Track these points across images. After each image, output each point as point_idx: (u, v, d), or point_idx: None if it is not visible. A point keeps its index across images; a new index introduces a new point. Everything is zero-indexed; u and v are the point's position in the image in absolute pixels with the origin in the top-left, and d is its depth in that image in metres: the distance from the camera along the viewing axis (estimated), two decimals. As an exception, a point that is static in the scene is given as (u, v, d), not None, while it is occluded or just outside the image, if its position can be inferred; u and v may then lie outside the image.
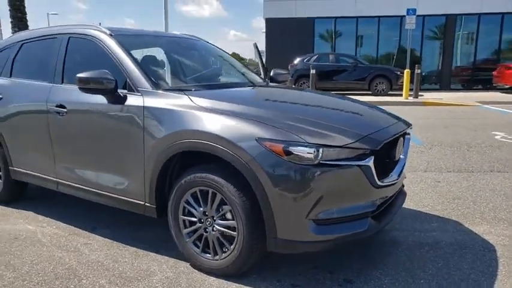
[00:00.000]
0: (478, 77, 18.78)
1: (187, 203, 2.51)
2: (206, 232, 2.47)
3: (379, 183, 2.33)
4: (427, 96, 14.72)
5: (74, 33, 3.23)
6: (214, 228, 2.43)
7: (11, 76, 3.61)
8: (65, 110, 3.02)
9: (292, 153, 2.12)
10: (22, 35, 3.74)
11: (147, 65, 2.93)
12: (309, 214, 2.14)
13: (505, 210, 3.61)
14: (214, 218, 2.42)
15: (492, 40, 18.58)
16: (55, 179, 3.25)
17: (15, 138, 3.48)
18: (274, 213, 2.16)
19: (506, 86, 15.90)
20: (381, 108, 3.18)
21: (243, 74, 3.78)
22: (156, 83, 2.75)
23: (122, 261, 2.71)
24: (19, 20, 13.46)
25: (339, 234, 2.23)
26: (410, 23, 13.14)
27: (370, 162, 2.22)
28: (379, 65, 17.73)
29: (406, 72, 13.41)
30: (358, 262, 2.64)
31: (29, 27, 13.71)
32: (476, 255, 2.74)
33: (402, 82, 14.05)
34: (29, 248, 2.91)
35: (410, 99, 13.27)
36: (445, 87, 18.76)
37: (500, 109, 11.40)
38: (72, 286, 2.39)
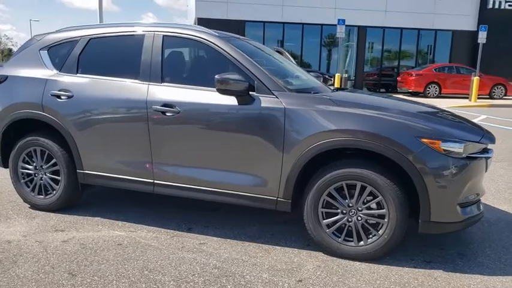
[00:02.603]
0: (382, 82, 21.46)
1: (330, 195, 2.75)
2: (349, 222, 2.74)
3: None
4: (351, 98, 16.38)
5: (170, 32, 3.15)
6: (359, 218, 2.71)
7: (77, 73, 3.32)
8: (174, 109, 2.96)
9: (447, 149, 2.54)
10: (85, 29, 3.43)
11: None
12: (459, 199, 2.59)
13: (506, 192, 4.51)
14: (360, 208, 2.71)
15: (394, 50, 21.47)
16: (151, 181, 3.13)
17: (92, 140, 3.22)
18: (431, 201, 2.55)
19: (409, 90, 18.50)
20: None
21: (297, 77, 4.00)
22: (285, 84, 2.91)
23: (257, 256, 2.80)
24: None
25: (473, 214, 2.71)
26: (341, 31, 14.47)
27: (492, 154, 2.76)
28: (308, 69, 19.06)
29: (337, 76, 14.75)
30: (450, 241, 3.14)
31: None
32: (523, 227, 3.50)
33: (331, 85, 15.41)
34: (148, 252, 2.80)
35: (342, 101, 14.66)
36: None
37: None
38: (242, 282, 2.44)
